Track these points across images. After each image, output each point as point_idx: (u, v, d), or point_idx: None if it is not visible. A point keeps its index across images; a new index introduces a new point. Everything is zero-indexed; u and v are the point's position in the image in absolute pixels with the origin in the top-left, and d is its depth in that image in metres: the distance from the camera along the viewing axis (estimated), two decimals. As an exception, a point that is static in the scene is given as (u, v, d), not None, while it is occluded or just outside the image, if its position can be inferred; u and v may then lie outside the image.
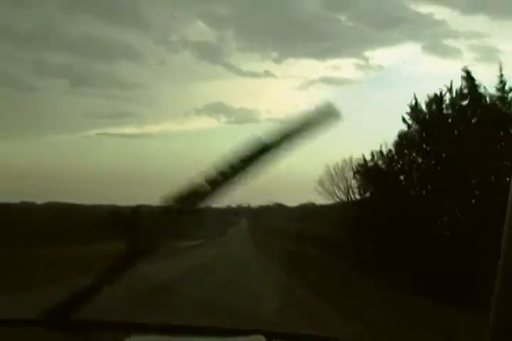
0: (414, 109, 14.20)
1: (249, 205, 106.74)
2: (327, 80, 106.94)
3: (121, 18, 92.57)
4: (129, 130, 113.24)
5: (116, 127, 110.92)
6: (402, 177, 14.41)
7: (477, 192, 12.29)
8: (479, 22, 71.51)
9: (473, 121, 13.15)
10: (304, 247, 26.65)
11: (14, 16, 76.27)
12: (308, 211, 59.04)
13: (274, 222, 62.78)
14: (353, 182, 23.18)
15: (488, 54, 79.09)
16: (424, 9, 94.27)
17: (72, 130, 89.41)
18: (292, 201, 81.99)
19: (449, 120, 13.52)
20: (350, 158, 25.30)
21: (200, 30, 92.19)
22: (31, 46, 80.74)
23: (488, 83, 14.04)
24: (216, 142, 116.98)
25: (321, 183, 31.11)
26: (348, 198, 27.69)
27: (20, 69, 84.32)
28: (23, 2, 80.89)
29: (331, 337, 1.47)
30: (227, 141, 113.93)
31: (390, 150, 14.97)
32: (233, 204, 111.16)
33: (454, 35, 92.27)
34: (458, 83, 13.52)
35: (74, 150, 74.14)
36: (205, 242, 40.36)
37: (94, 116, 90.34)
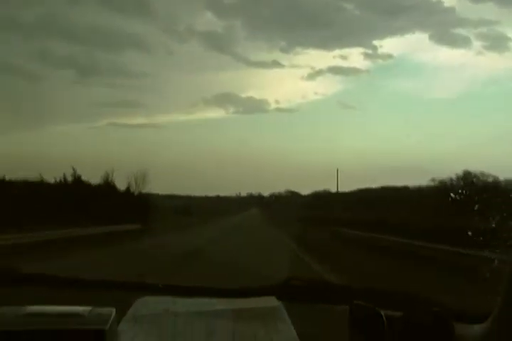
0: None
1: (259, 194, 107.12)
2: (335, 70, 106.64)
3: (128, 7, 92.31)
4: (137, 120, 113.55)
5: (124, 117, 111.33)
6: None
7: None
8: (488, 9, 70.12)
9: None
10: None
11: (19, 6, 76.18)
12: (320, 198, 59.13)
13: (285, 208, 62.79)
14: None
15: (498, 42, 77.66)
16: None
17: (80, 120, 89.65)
18: (307, 189, 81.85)
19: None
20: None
21: (207, 19, 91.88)
22: (37, 36, 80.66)
23: (496, 72, 13.98)
24: (225, 132, 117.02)
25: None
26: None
27: (27, 59, 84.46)
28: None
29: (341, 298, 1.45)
30: (236, 131, 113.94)
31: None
32: (243, 193, 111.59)
33: (463, 23, 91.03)
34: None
35: (82, 139, 74.15)
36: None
37: (101, 106, 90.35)
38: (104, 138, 79.17)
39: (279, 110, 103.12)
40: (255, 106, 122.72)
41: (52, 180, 37.20)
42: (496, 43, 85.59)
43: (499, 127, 65.01)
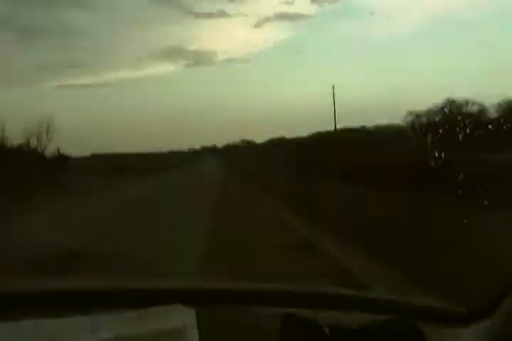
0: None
1: (214, 146, 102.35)
2: (282, 16, 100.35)
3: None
4: (84, 80, 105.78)
5: (70, 78, 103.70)
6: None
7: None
8: None
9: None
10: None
11: None
12: (276, 145, 55.30)
13: (241, 160, 58.83)
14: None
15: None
16: None
17: (25, 83, 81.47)
18: (262, 137, 78.12)
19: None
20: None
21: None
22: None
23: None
24: (175, 86, 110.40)
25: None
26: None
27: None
28: None
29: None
30: (185, 84, 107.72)
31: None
32: (197, 146, 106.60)
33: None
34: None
35: (30, 103, 67.02)
36: None
37: (46, 68, 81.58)
38: (53, 101, 72.43)
39: (228, 61, 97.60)
40: (204, 58, 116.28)
41: None
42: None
43: (452, 60, 62.58)
